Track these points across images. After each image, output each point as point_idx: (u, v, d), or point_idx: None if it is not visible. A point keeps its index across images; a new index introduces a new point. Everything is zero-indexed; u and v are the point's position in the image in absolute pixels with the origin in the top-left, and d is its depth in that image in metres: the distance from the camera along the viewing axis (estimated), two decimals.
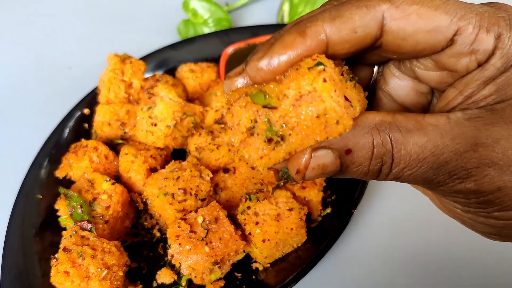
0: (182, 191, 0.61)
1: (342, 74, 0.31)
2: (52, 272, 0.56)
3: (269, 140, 0.31)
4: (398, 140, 0.31)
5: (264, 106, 0.30)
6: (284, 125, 0.30)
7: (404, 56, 0.35)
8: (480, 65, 0.32)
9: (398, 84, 0.39)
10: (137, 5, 1.07)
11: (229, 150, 0.67)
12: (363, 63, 0.39)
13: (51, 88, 0.90)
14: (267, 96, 0.30)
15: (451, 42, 0.31)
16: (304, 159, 0.31)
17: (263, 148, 0.31)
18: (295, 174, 0.32)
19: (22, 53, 0.98)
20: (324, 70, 0.29)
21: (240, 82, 0.34)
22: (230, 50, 0.84)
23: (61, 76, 0.93)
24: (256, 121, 0.31)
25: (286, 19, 0.98)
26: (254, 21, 1.02)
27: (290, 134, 0.30)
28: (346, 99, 0.30)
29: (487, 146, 0.30)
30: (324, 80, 0.29)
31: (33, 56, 0.97)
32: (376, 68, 0.40)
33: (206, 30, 0.96)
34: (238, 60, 0.84)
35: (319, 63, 0.29)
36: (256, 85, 0.32)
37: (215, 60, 0.84)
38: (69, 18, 1.06)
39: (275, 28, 0.91)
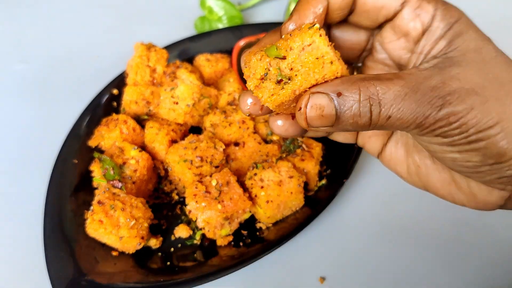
0: (199, 158, 0.72)
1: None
2: (88, 220, 0.66)
3: (279, 82, 0.41)
4: (381, 85, 0.38)
5: (276, 57, 0.40)
6: (291, 69, 0.40)
7: (370, 15, 0.45)
8: (426, 29, 0.42)
9: (381, 59, 0.50)
10: (158, 2, 1.18)
11: (240, 127, 0.77)
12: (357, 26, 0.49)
13: (82, 73, 1.01)
14: (277, 49, 0.40)
15: (401, 7, 0.42)
16: (304, 100, 0.39)
17: (273, 88, 0.41)
18: (298, 112, 0.40)
19: (55, 42, 1.09)
20: (319, 29, 0.39)
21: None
22: (241, 43, 0.94)
23: (90, 63, 1.03)
24: (268, 70, 0.41)
25: None
26: (263, 19, 1.12)
27: (296, 75, 0.40)
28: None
29: (451, 78, 0.38)
30: (320, 35, 0.39)
31: (64, 45, 1.08)
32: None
33: (220, 26, 1.07)
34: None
35: (315, 24, 0.40)
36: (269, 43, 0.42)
37: (228, 52, 0.95)
38: (96, 12, 1.16)
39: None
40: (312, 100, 0.39)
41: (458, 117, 0.37)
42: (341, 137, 0.54)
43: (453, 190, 0.46)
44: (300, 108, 0.40)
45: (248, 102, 0.46)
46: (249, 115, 0.48)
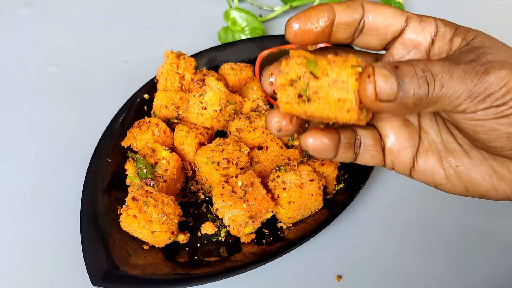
0: (226, 160, 0.77)
1: None
2: (123, 216, 0.71)
3: (299, 96, 0.42)
4: (425, 61, 0.40)
5: (311, 73, 0.42)
6: (315, 93, 0.42)
7: (379, 38, 0.47)
8: (434, 36, 0.45)
9: None
10: (183, 13, 1.24)
11: (263, 132, 0.82)
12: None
13: (111, 77, 1.06)
14: (316, 67, 0.42)
15: (406, 23, 0.45)
16: (369, 68, 0.39)
17: (292, 98, 0.43)
18: (368, 80, 0.38)
19: (85, 47, 1.15)
20: (360, 73, 0.40)
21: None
22: (264, 53, 1.00)
23: (119, 68, 1.09)
24: (299, 78, 0.42)
25: None
26: (283, 31, 1.18)
27: (315, 101, 0.42)
28: (361, 102, 0.42)
29: (483, 53, 0.41)
30: (356, 80, 0.41)
31: (95, 50, 1.14)
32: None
33: (243, 37, 1.12)
34: (270, 62, 0.99)
35: (359, 66, 0.41)
36: (314, 56, 0.43)
37: (251, 62, 1.00)
38: (124, 20, 1.22)
39: None
40: (377, 69, 0.38)
41: (504, 81, 0.38)
42: (368, 156, 0.52)
43: (495, 181, 0.46)
44: (369, 76, 0.39)
45: (271, 80, 0.47)
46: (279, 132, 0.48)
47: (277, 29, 1.19)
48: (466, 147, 0.47)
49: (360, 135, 0.51)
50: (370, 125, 0.52)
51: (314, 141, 0.47)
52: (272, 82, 0.48)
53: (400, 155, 0.50)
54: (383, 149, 0.51)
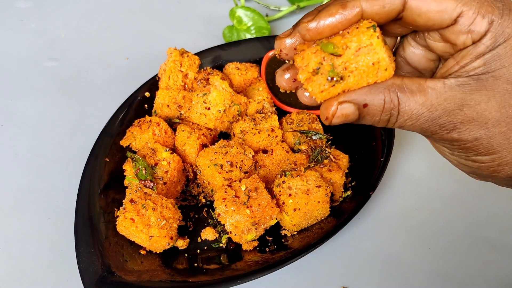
0: (229, 163, 0.73)
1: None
2: (120, 218, 0.68)
3: (331, 79, 0.41)
4: (403, 98, 0.41)
5: (331, 54, 0.41)
6: (345, 69, 0.41)
7: (419, 29, 0.45)
8: (474, 42, 0.41)
9: (413, 52, 0.51)
10: (187, 10, 1.21)
11: (268, 135, 0.79)
12: (387, 34, 0.49)
13: (111, 73, 1.03)
14: (333, 47, 0.41)
15: (454, 21, 0.40)
16: (332, 109, 0.42)
17: (324, 84, 0.42)
18: (324, 119, 0.43)
19: (85, 42, 1.11)
20: (376, 30, 0.40)
21: (288, 42, 0.46)
22: (270, 54, 0.97)
23: (119, 64, 1.06)
24: (322, 64, 0.41)
25: None
26: None
27: (349, 76, 0.41)
28: (390, 56, 0.41)
29: (470, 107, 0.40)
30: (378, 37, 0.40)
31: (95, 45, 1.10)
32: (398, 39, 0.52)
33: (248, 36, 1.09)
34: (277, 62, 0.96)
35: (374, 26, 0.40)
36: (325, 38, 0.42)
37: (257, 62, 0.97)
38: (126, 15, 1.19)
39: None
40: (339, 111, 0.42)
41: (462, 143, 0.43)
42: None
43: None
44: (327, 118, 0.43)
45: (285, 77, 0.49)
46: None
47: (283, 29, 1.15)
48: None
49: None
50: None
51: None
52: (287, 78, 0.48)
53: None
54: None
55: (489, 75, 0.41)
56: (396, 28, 0.47)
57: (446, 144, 0.45)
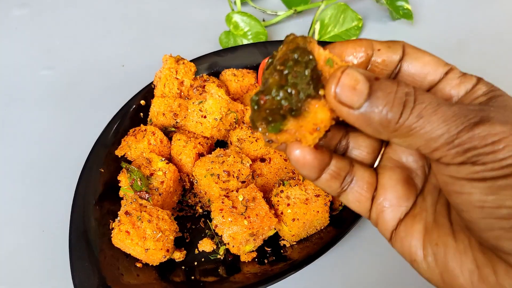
0: (226, 173, 0.72)
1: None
2: (115, 231, 0.66)
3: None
4: (418, 88, 0.35)
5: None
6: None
7: (415, 81, 0.42)
8: (467, 93, 0.40)
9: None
10: (183, 16, 1.19)
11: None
12: None
13: (107, 81, 1.02)
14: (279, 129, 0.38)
15: (445, 75, 0.40)
16: (341, 68, 0.35)
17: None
18: (331, 93, 0.35)
19: (81, 50, 1.10)
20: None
21: None
22: (267, 60, 0.95)
23: (115, 72, 1.05)
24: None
25: (316, 37, 1.10)
26: None
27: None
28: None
29: (489, 109, 0.34)
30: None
31: (90, 53, 1.09)
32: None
33: (245, 41, 1.08)
34: None
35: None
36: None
37: (254, 68, 0.96)
38: (122, 22, 1.18)
39: None
40: (349, 70, 0.34)
41: (495, 138, 0.32)
42: (354, 198, 0.45)
43: (475, 280, 0.36)
44: (342, 71, 0.35)
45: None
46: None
47: (280, 34, 1.14)
48: (456, 227, 0.39)
49: (355, 173, 0.44)
50: (372, 167, 0.47)
51: (300, 153, 0.40)
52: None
53: (387, 212, 0.43)
54: (372, 199, 0.45)
55: (495, 102, 0.37)
56: None
57: (474, 152, 0.33)
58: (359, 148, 0.47)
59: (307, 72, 0.35)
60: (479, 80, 0.39)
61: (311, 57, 0.36)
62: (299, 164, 0.40)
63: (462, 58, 1.08)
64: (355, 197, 0.44)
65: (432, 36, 1.15)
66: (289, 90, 0.35)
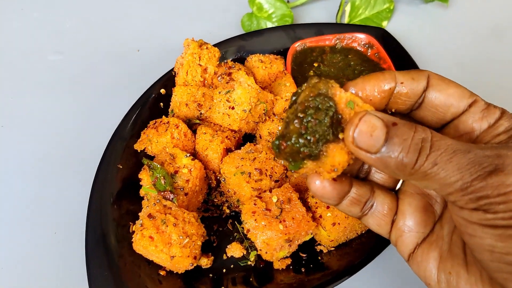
0: (258, 171, 0.65)
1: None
2: (137, 237, 0.60)
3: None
4: (436, 134, 0.36)
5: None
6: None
7: (437, 116, 0.44)
8: (490, 126, 0.41)
9: None
10: None
11: None
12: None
13: (121, 68, 0.95)
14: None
15: (468, 107, 0.42)
16: (359, 114, 0.37)
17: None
18: (350, 123, 0.37)
19: (93, 33, 1.03)
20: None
21: None
22: (297, 45, 0.87)
23: (130, 57, 0.97)
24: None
25: (346, 19, 1.02)
26: (313, 19, 1.05)
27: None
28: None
29: (506, 155, 0.35)
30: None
31: (103, 37, 1.02)
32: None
33: (269, 24, 1.00)
34: (304, 57, 0.87)
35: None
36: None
37: (281, 53, 0.88)
38: (137, 4, 1.10)
39: (337, 27, 0.95)
40: (367, 117, 0.37)
41: (507, 189, 0.33)
42: (374, 222, 0.48)
43: None
44: (360, 118, 0.37)
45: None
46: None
47: (307, 16, 1.06)
48: (469, 259, 0.41)
49: (375, 198, 0.47)
50: (393, 190, 0.49)
51: (319, 184, 0.43)
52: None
53: (405, 236, 0.46)
54: (392, 222, 0.47)
55: None
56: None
57: (486, 201, 0.34)
58: (381, 172, 0.49)
59: (326, 119, 0.38)
60: (503, 114, 0.41)
61: (331, 103, 0.38)
62: (318, 194, 0.44)
63: (497, 46, 1.00)
64: (375, 221, 0.48)
65: (467, 21, 1.07)
66: (308, 138, 0.38)
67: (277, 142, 0.40)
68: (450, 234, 0.44)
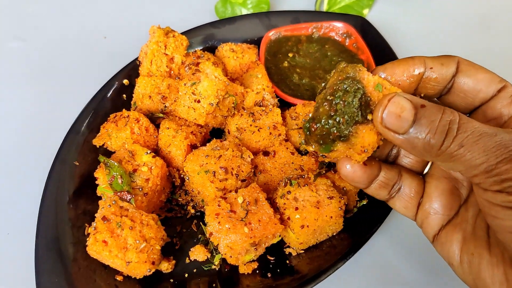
0: (224, 170, 0.61)
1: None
2: (90, 241, 0.56)
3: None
4: (464, 116, 0.37)
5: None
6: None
7: (466, 101, 0.45)
8: None
9: None
10: None
11: (270, 133, 0.66)
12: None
13: (86, 55, 0.89)
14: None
15: (497, 92, 0.42)
16: (389, 95, 0.39)
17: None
18: (379, 104, 0.39)
19: (56, 19, 0.97)
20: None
21: None
22: (271, 33, 0.83)
23: (95, 45, 0.92)
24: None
25: (325, 7, 0.97)
26: (291, 6, 1.00)
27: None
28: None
29: None
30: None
31: (67, 23, 0.96)
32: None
33: (244, 12, 0.95)
34: (279, 46, 0.83)
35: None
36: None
37: (255, 42, 0.83)
38: None
39: (315, 15, 0.90)
40: (396, 98, 0.38)
41: None
42: (401, 204, 0.50)
43: None
44: (389, 99, 0.39)
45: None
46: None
47: (284, 3, 1.01)
48: (492, 241, 0.42)
49: (403, 181, 0.49)
50: (420, 174, 0.50)
51: (350, 168, 0.46)
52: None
53: (431, 218, 0.47)
54: (419, 205, 0.49)
55: None
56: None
57: (505, 165, 0.35)
58: (409, 156, 0.51)
59: (355, 101, 0.39)
60: None
61: (359, 86, 0.40)
62: (349, 177, 0.47)
63: (484, 37, 0.96)
64: (402, 204, 0.49)
65: (453, 11, 1.04)
66: (337, 119, 0.40)
67: (307, 125, 0.42)
68: (474, 217, 0.45)
